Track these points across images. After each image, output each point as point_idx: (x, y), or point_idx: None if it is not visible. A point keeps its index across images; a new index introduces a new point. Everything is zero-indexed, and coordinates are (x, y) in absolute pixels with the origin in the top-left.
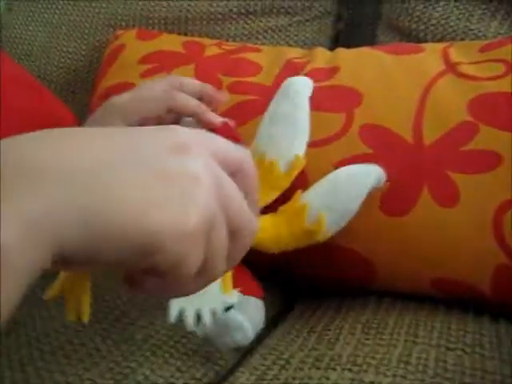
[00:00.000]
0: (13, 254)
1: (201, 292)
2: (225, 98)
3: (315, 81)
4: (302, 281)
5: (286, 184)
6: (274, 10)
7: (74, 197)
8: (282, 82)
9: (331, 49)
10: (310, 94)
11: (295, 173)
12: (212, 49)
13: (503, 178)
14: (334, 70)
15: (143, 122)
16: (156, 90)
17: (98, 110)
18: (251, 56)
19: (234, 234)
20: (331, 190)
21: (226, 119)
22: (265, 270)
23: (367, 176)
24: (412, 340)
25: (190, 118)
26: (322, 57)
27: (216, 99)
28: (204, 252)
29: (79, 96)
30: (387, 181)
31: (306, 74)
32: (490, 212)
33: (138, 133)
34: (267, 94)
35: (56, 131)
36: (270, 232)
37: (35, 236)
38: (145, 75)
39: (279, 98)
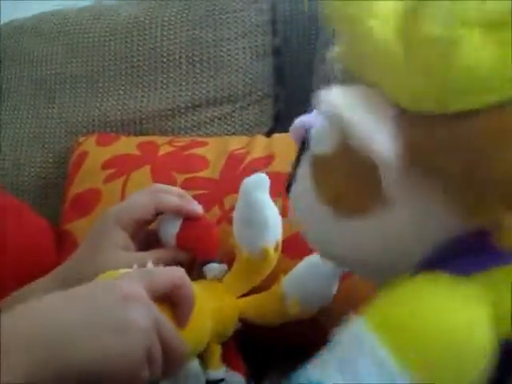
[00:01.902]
0: None
1: (185, 374)
2: (199, 210)
3: (254, 170)
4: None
5: (265, 271)
6: (218, 100)
7: (49, 353)
8: (228, 174)
9: (272, 128)
10: (265, 189)
11: (270, 261)
12: (165, 147)
13: None
14: (270, 158)
15: (136, 224)
16: (142, 196)
17: (97, 221)
18: (199, 151)
19: (167, 354)
20: (301, 277)
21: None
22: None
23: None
24: None
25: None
26: (259, 145)
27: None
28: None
29: (51, 201)
30: None
31: (246, 165)
32: None
33: (91, 289)
34: (216, 186)
35: (29, 307)
36: (257, 310)
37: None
38: (107, 180)
39: (238, 203)
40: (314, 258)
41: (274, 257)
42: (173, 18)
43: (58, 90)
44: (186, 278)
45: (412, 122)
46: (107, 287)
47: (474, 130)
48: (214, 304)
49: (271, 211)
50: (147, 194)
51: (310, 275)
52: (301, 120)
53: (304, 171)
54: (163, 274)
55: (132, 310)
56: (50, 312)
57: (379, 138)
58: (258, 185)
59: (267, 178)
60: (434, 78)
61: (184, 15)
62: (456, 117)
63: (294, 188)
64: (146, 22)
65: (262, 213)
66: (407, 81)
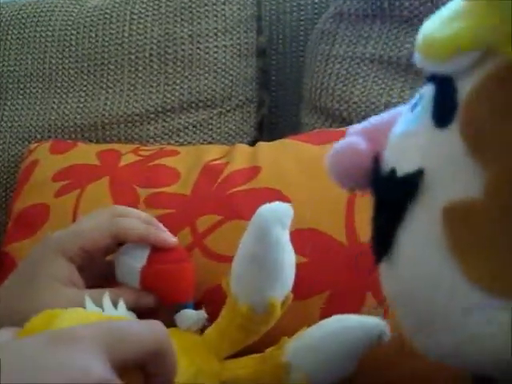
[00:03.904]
0: None
1: None
2: (172, 240)
3: (234, 185)
4: None
5: (264, 328)
6: (193, 105)
7: None
8: (202, 189)
9: (256, 136)
10: (286, 225)
11: (272, 319)
12: (128, 157)
13: None
14: (254, 171)
15: (86, 254)
16: (98, 219)
17: (36, 247)
18: (168, 161)
19: None
20: (313, 347)
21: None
22: None
23: (364, 332)
24: None
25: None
26: (242, 155)
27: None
28: None
29: None
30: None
31: (224, 179)
32: None
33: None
34: (186, 205)
35: None
36: (250, 374)
37: None
38: (59, 194)
39: (247, 235)
40: (330, 324)
41: (278, 315)
42: (143, 11)
43: (10, 90)
44: (168, 341)
45: None
46: (42, 362)
47: None
48: (189, 367)
49: (289, 256)
50: (104, 217)
51: (326, 347)
52: (350, 143)
53: (422, 230)
54: (138, 334)
55: None
56: None
57: None
58: (278, 218)
59: (290, 208)
60: None
61: (156, 7)
62: None
63: (397, 260)
64: (113, 14)
65: (279, 255)
66: None
